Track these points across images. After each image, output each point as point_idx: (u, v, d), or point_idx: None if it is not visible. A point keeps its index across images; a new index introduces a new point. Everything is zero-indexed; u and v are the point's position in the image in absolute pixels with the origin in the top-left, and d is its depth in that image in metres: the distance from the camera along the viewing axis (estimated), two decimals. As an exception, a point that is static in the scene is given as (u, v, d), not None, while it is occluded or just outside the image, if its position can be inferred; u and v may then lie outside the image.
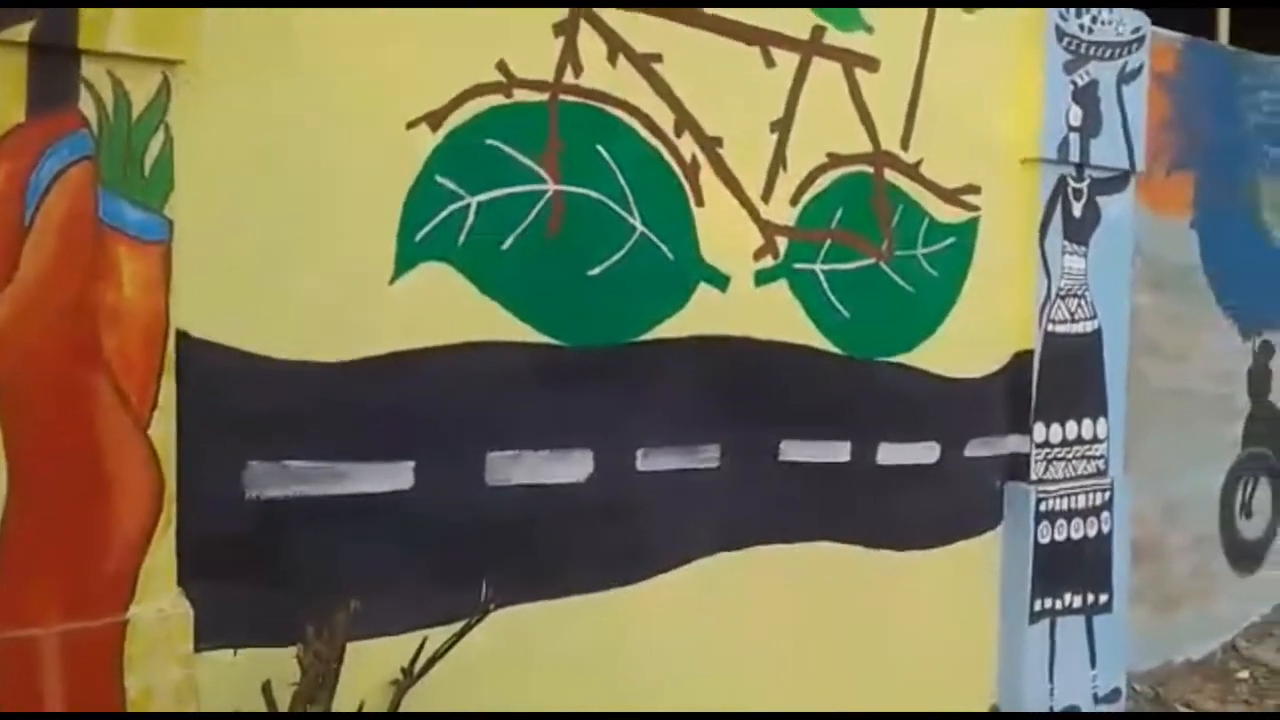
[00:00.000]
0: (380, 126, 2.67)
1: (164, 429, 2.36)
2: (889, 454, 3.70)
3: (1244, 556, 5.03)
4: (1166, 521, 4.66)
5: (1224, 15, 5.87)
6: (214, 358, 2.47)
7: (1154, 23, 4.51)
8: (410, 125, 2.71)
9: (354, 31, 2.62)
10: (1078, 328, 4.13)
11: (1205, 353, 4.74)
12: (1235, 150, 4.85)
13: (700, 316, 3.23)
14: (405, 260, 2.72)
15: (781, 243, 3.39)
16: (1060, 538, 4.08)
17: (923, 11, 3.67)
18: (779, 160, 3.37)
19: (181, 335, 2.40)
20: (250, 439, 2.54)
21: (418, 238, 2.73)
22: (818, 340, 3.50)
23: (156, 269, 2.33)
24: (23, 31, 2.14)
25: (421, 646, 2.68)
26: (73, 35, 2.18)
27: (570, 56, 2.94)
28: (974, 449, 3.93)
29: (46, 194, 2.19)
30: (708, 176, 3.22)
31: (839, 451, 3.58)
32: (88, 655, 2.30)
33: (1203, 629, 4.85)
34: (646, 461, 3.15)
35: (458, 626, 2.71)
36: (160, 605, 2.37)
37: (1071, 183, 4.07)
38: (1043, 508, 4.03)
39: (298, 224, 2.57)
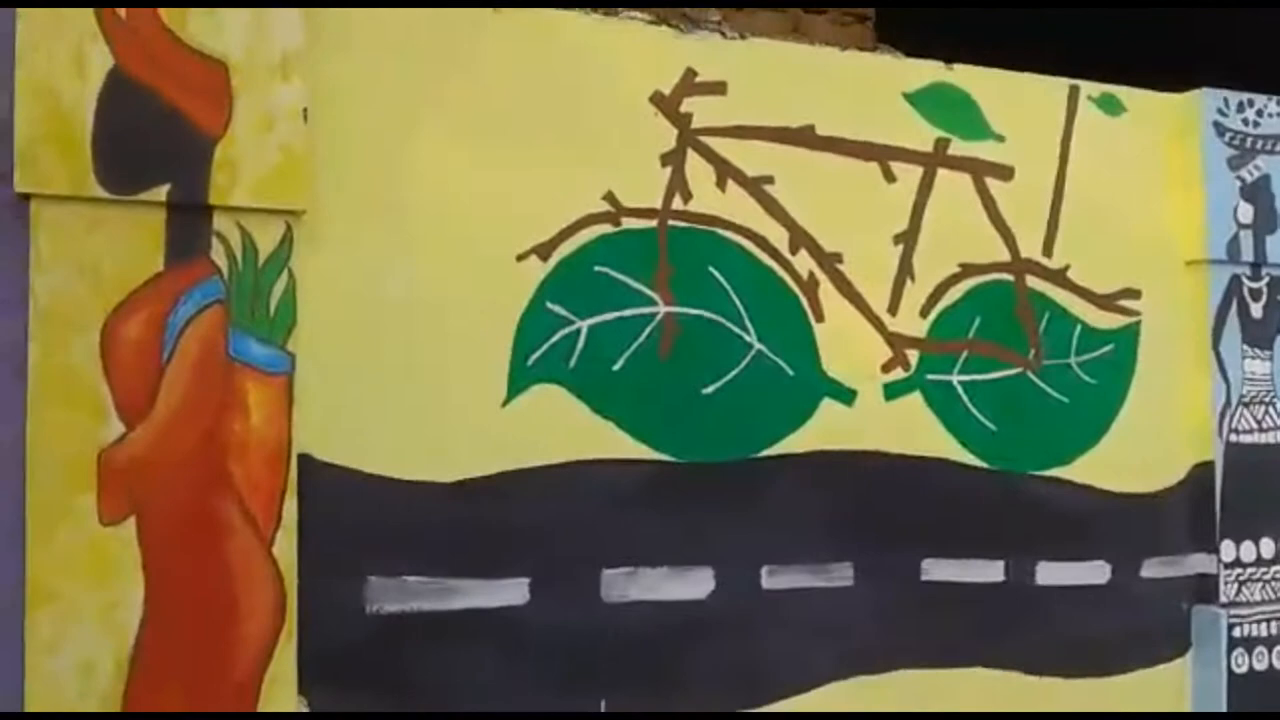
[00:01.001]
0: (491, 259, 2.85)
1: (287, 546, 2.55)
2: (1050, 574, 3.49)
3: None
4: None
5: None
6: (335, 479, 2.66)
7: None
8: (520, 257, 2.88)
9: (463, 170, 2.83)
10: (1267, 437, 3.81)
11: None
12: None
13: (826, 431, 3.21)
14: (517, 383, 2.86)
15: (912, 355, 3.34)
16: (1260, 667, 3.70)
17: (1060, 117, 3.60)
18: (905, 272, 3.35)
19: (304, 458, 2.61)
20: (370, 556, 2.70)
21: (530, 361, 2.88)
22: (958, 453, 3.39)
23: (280, 398, 2.56)
24: (160, 192, 2.45)
25: (536, 762, 2.71)
26: (204, 193, 2.48)
27: (678, 184, 3.06)
28: (1152, 569, 3.65)
29: (182, 334, 2.47)
30: (828, 292, 3.23)
31: (991, 571, 3.41)
32: (216, 759, 2.47)
33: None
34: (772, 579, 3.11)
35: (571, 744, 2.74)
36: (282, 711, 2.52)
37: (1247, 283, 3.82)
38: (1236, 633, 3.67)
39: (412, 353, 2.76)
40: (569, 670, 2.87)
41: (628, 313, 2.98)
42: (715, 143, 3.12)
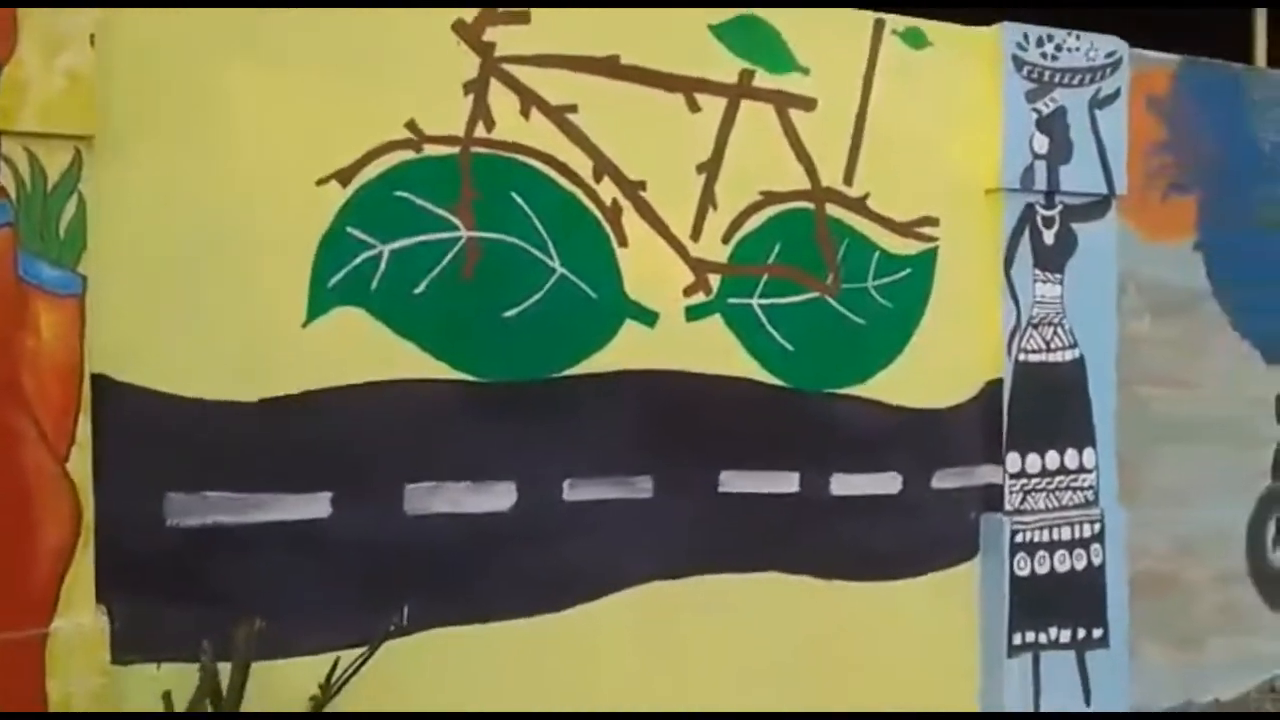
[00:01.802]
0: (291, 184, 2.92)
1: (81, 462, 2.64)
2: (843, 485, 3.74)
3: (1278, 591, 4.80)
4: (1183, 555, 4.51)
5: (1261, 38, 5.72)
6: (133, 398, 2.74)
7: (1192, 51, 4.47)
8: (321, 182, 2.96)
9: (263, 96, 2.89)
10: (1055, 356, 4.09)
11: (1220, 379, 4.59)
12: (1250, 170, 4.71)
13: (629, 352, 3.37)
14: (318, 305, 2.96)
15: (714, 280, 3.51)
16: (1042, 570, 4.03)
17: (865, 49, 3.76)
18: (708, 200, 3.50)
19: (100, 378, 2.68)
20: (170, 472, 2.80)
21: (330, 284, 2.97)
22: (758, 373, 3.59)
23: (72, 319, 2.63)
24: (-57, 117, 2.48)
25: (334, 666, 2.87)
26: (-12, 118, 2.51)
27: (481, 112, 3.15)
28: (942, 480, 3.93)
29: (-32, 257, 2.51)
30: (631, 218, 3.37)
31: (786, 482, 3.64)
32: (14, 663, 2.57)
33: (1234, 668, 4.65)
34: (573, 492, 3.29)
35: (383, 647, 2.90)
36: (80, 620, 2.63)
37: (1041, 210, 4.06)
38: (1019, 539, 3.98)
39: (211, 277, 2.83)
40: (371, 580, 3.02)
41: (430, 237, 3.09)
42: (519, 71, 3.22)
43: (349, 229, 2.99)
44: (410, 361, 3.06)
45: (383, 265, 3.03)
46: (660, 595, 3.43)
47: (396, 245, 3.05)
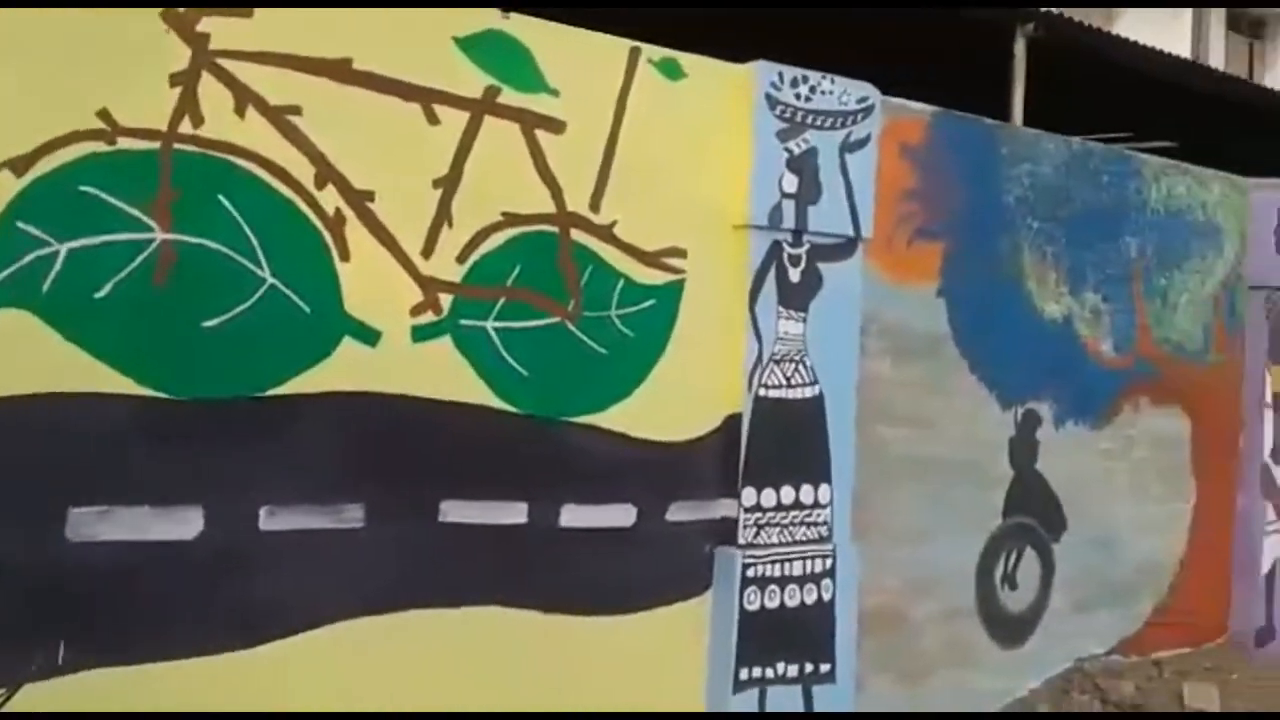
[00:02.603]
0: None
1: None
2: (574, 516, 3.65)
3: (1008, 629, 4.99)
4: (913, 590, 4.62)
5: (1019, 96, 6.00)
6: None
7: (952, 106, 4.59)
8: (-11, 170, 2.67)
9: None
10: (795, 393, 4.12)
11: (956, 421, 4.73)
12: (995, 221, 4.89)
13: (345, 372, 3.19)
14: (-22, 306, 2.66)
15: (445, 299, 3.36)
16: (772, 605, 4.03)
17: (619, 76, 3.69)
18: (443, 216, 3.35)
19: None
20: None
21: (-6, 283, 2.68)
22: (489, 398, 3.46)
23: None
24: None
25: (-26, 707, 2.58)
26: None
27: (188, 106, 2.91)
28: (678, 513, 3.89)
29: None
30: (356, 230, 3.19)
31: (513, 513, 3.52)
32: None
33: (958, 704, 4.79)
34: (272, 520, 3.08)
35: (22, 690, 2.62)
36: None
37: (788, 248, 4.08)
38: (751, 573, 3.98)
39: None
40: (26, 614, 2.73)
41: (117, 237, 2.83)
42: (235, 67, 3.00)
43: (19, 223, 2.71)
44: (84, 373, 2.79)
45: (58, 265, 2.75)
46: (366, 630, 3.24)
47: (76, 244, 2.78)
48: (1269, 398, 6.03)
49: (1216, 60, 16.25)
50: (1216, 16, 16.68)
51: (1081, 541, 5.22)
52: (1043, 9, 6.31)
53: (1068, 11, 6.64)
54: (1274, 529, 6.04)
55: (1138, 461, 5.47)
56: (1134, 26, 14.74)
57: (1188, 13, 16.16)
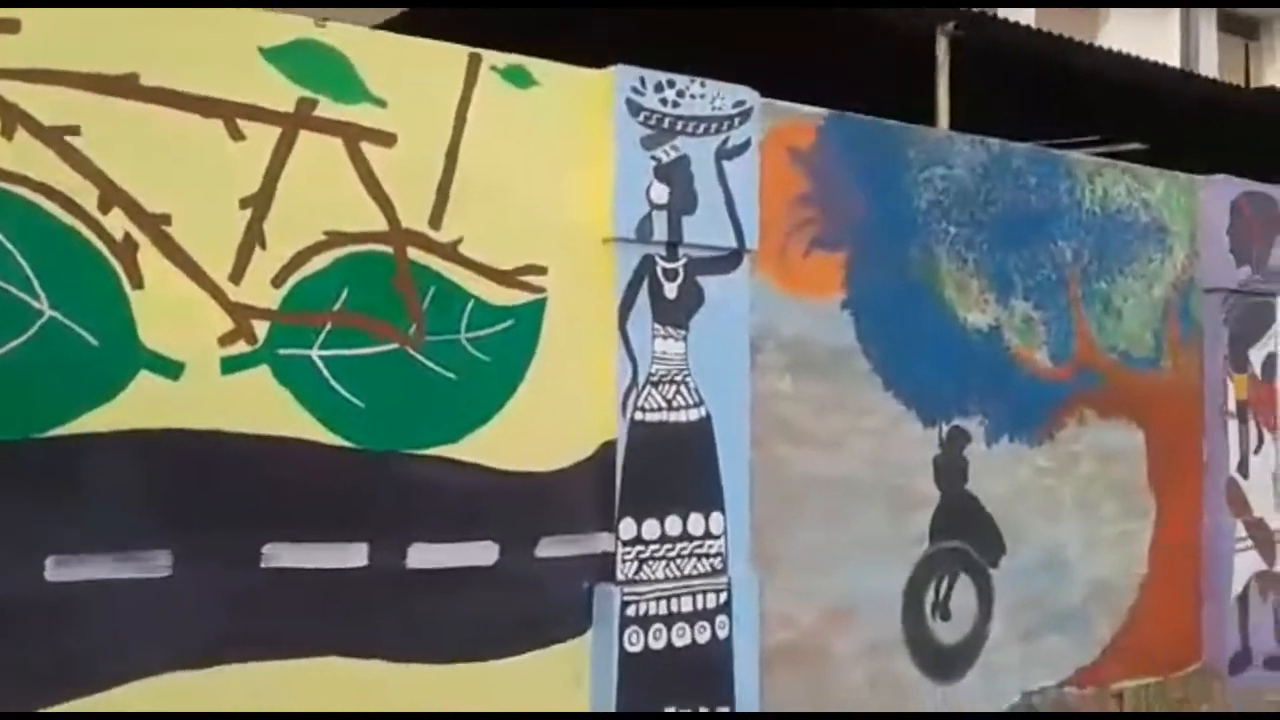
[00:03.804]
0: None
1: None
2: (424, 556, 3.38)
3: (941, 662, 4.65)
4: (829, 623, 4.30)
5: (943, 99, 5.76)
6: None
7: (880, 114, 4.36)
8: None
9: None
10: (677, 416, 3.85)
11: (867, 439, 4.43)
12: (904, 227, 4.62)
13: (143, 408, 2.96)
14: None
15: (260, 327, 3.14)
16: (657, 645, 3.74)
17: (458, 85, 3.48)
18: (254, 238, 3.13)
19: None
20: None
21: None
22: (317, 432, 3.22)
23: None
24: None
25: None
26: None
27: (-54, 129, 2.72)
28: (548, 548, 3.61)
29: None
30: (150, 256, 2.98)
31: (351, 555, 3.26)
32: None
33: (892, 741, 4.46)
34: (60, 571, 2.83)
35: None
36: None
37: (661, 263, 3.84)
38: (631, 611, 3.69)
39: None
40: None
41: None
42: (3, 86, 2.80)
43: None
44: None
45: None
46: (183, 684, 2.98)
47: None
48: (1232, 406, 5.69)
49: (1209, 62, 15.93)
50: (1206, 18, 16.36)
51: (1024, 565, 4.88)
52: (978, 9, 6.08)
53: (1001, 11, 6.41)
54: (1244, 546, 5.67)
55: (1084, 478, 5.13)
56: (1120, 29, 14.47)
57: (1175, 14, 15.85)
